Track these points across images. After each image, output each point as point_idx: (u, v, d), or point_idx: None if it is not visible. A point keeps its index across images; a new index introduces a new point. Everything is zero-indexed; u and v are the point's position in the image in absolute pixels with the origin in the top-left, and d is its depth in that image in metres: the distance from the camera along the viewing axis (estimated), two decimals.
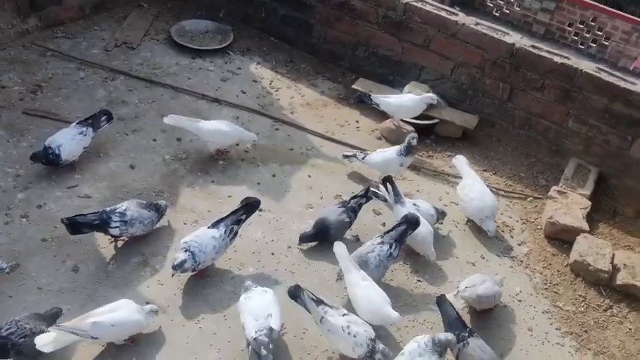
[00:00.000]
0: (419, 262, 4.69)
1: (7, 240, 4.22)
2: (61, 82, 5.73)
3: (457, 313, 3.96)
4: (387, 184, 4.69)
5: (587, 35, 10.68)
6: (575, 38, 10.82)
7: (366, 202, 4.78)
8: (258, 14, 7.07)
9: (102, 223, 4.13)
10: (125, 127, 5.43)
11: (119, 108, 5.62)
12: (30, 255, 4.13)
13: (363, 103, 5.95)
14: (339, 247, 4.07)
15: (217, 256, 4.18)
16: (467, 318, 4.25)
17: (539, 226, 5.31)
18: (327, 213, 4.59)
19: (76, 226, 4.09)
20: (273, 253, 4.54)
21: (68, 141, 4.73)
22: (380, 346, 3.65)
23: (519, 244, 5.10)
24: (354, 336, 3.65)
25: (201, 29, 6.99)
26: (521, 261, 4.94)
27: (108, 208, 4.24)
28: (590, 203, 5.42)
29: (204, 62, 6.53)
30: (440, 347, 3.51)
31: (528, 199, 5.62)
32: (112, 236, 4.28)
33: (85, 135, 4.86)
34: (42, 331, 3.43)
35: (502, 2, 11.21)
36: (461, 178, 5.30)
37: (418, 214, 4.46)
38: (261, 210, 4.56)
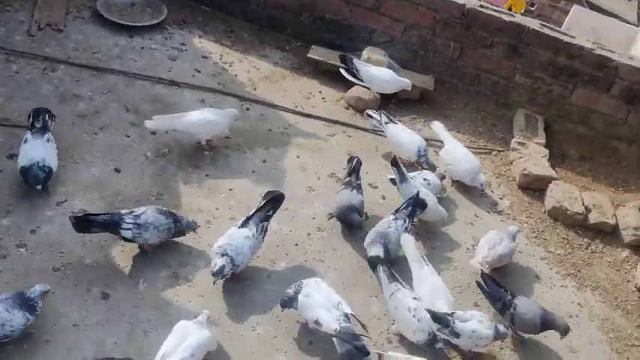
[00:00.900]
0: (427, 230, 4.86)
1: (13, 276, 3.69)
2: None
3: (495, 281, 4.21)
4: (394, 166, 4.74)
5: None
6: None
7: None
8: None
9: (113, 224, 3.80)
10: (90, 125, 4.88)
11: (74, 103, 5.02)
12: (52, 294, 3.64)
13: (343, 64, 5.82)
14: (407, 240, 4.22)
15: (253, 256, 4.03)
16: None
17: (511, 179, 5.72)
18: (347, 199, 4.53)
19: (85, 223, 3.76)
20: (296, 244, 4.45)
21: (45, 152, 4.17)
22: (442, 336, 3.78)
23: (501, 198, 5.47)
24: (419, 320, 3.77)
25: (126, 2, 6.33)
26: (508, 214, 5.32)
27: (123, 210, 3.90)
28: (547, 151, 5.93)
29: (143, 41, 5.97)
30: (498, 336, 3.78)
31: (493, 153, 5.99)
32: (124, 239, 3.92)
33: (51, 141, 4.31)
34: None
35: None
36: (435, 139, 5.54)
37: (424, 196, 4.61)
38: None
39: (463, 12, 6.08)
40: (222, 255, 3.82)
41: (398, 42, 6.42)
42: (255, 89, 5.86)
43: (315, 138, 5.48)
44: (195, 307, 3.80)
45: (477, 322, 3.80)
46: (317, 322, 3.61)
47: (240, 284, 4.05)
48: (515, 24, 6.03)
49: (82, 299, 3.67)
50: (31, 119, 4.29)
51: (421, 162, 5.13)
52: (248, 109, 5.56)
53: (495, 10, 6.12)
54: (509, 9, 8.60)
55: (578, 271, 4.95)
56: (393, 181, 4.89)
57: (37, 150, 4.15)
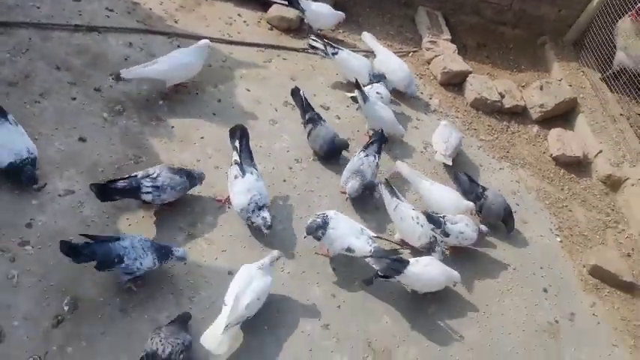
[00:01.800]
0: (391, 149, 5.22)
1: (34, 278, 3.48)
2: None
3: (468, 176, 4.81)
4: (357, 88, 4.95)
5: None
6: None
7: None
8: None
9: (133, 190, 3.79)
10: (28, 94, 4.40)
11: None
12: (81, 284, 3.52)
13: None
14: (402, 166, 4.67)
15: None
16: (441, 169, 5.12)
17: (432, 77, 6.24)
18: (325, 134, 4.77)
19: (106, 192, 3.73)
20: (284, 180, 4.62)
21: (22, 139, 3.81)
22: (441, 242, 4.32)
23: (430, 98, 5.99)
24: (422, 226, 4.26)
25: None
26: (441, 112, 5.88)
27: (139, 174, 3.86)
28: (455, 46, 6.49)
29: None
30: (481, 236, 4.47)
31: (409, 55, 6.41)
32: (144, 202, 3.91)
33: (17, 123, 3.89)
34: (189, 340, 3.26)
35: None
36: (369, 50, 5.82)
37: (382, 110, 5.00)
38: None
39: None
40: (260, 208, 3.96)
41: None
42: (175, 22, 5.57)
43: (255, 67, 5.45)
44: (223, 263, 3.91)
45: (464, 224, 4.38)
46: (349, 249, 3.94)
47: (270, 237, 4.14)
48: None
49: (114, 284, 3.59)
50: None
51: (373, 81, 5.38)
52: (179, 45, 5.29)
53: None
54: None
55: (507, 152, 5.73)
56: (354, 99, 5.13)
57: (14, 140, 3.74)
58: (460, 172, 4.89)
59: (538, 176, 5.61)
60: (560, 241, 5.05)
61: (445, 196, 4.58)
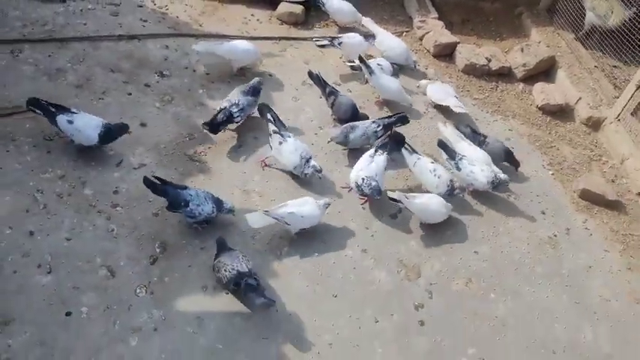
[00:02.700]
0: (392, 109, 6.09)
1: (126, 229, 4.32)
2: None
3: (470, 127, 5.67)
4: (362, 62, 5.83)
5: None
6: None
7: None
8: None
9: (229, 118, 5.09)
10: (92, 93, 5.26)
11: (61, 78, 5.31)
12: (166, 232, 4.36)
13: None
14: (443, 128, 5.55)
15: None
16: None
17: (425, 51, 7.09)
18: (347, 102, 5.62)
19: (215, 126, 5.05)
20: (312, 144, 5.45)
21: (90, 116, 4.67)
22: (457, 185, 5.10)
23: (426, 69, 6.84)
24: (438, 177, 5.06)
25: None
26: (437, 79, 6.72)
27: (226, 104, 4.96)
28: (443, 22, 7.35)
29: (77, 3, 6.17)
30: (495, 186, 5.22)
31: (403, 35, 7.27)
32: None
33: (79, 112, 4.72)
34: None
35: None
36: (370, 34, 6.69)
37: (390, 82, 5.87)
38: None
39: None
40: (308, 160, 4.88)
41: None
42: (200, 25, 6.43)
43: (273, 56, 6.30)
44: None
45: (479, 169, 5.16)
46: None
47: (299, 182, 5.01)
48: None
49: (191, 230, 4.43)
50: (48, 109, 4.57)
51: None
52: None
53: None
54: None
55: (498, 107, 6.58)
56: (353, 68, 6.16)
57: (89, 120, 4.62)
58: (462, 125, 5.72)
59: (528, 124, 6.45)
60: (552, 174, 5.88)
61: (481, 158, 5.34)
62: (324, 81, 5.72)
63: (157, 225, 4.38)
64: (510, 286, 4.70)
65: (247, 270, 3.92)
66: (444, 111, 6.15)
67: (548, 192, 5.64)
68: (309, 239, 4.55)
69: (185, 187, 4.34)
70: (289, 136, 4.95)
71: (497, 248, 4.98)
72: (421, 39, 7.17)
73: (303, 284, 4.28)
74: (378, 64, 6.08)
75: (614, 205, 5.65)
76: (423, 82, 6.29)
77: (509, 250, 4.98)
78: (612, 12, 6.91)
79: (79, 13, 6.02)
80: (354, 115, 5.54)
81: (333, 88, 5.69)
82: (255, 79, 5.35)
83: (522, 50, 7.04)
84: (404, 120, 5.53)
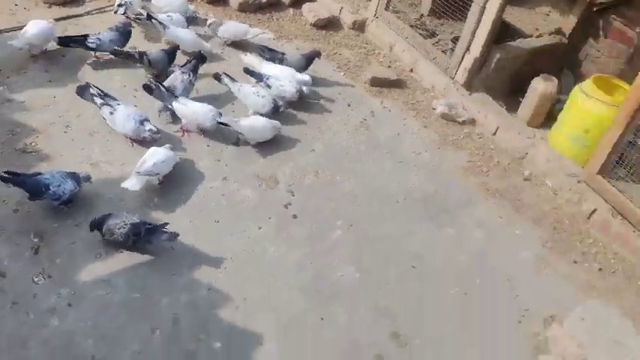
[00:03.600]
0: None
1: (17, 228, 4.33)
2: None
3: (268, 48, 6.33)
4: (152, 19, 6.14)
5: None
6: None
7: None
8: None
9: (81, 39, 5.88)
10: None
11: None
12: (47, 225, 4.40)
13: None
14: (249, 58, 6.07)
15: None
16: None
17: (199, 0, 7.53)
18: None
19: (65, 39, 5.83)
20: None
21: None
22: (280, 103, 5.76)
23: (206, 16, 7.30)
24: (262, 97, 5.69)
25: None
26: (219, 22, 7.23)
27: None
28: None
29: None
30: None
31: None
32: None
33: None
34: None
35: None
36: None
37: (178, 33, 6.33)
38: None
39: None
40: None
41: None
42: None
43: None
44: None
45: (287, 81, 5.89)
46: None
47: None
48: None
49: (60, 211, 4.51)
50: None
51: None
52: None
53: None
54: None
55: (281, 33, 7.33)
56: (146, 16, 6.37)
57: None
58: (259, 49, 6.37)
59: (308, 40, 7.32)
60: (344, 74, 6.86)
61: (285, 72, 6.03)
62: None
63: (21, 220, 4.37)
64: (348, 167, 5.59)
65: (139, 220, 4.19)
66: (238, 45, 6.74)
67: (346, 88, 6.62)
68: (173, 186, 4.90)
69: (39, 173, 4.37)
70: (118, 104, 5.13)
71: (327, 142, 5.82)
72: None
73: (185, 221, 4.66)
74: (168, 16, 6.39)
75: (397, 84, 6.84)
76: (212, 19, 6.73)
77: (336, 141, 5.86)
78: None
79: None
80: (170, 61, 5.94)
81: (138, 50, 5.93)
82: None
83: None
84: (203, 59, 5.96)
